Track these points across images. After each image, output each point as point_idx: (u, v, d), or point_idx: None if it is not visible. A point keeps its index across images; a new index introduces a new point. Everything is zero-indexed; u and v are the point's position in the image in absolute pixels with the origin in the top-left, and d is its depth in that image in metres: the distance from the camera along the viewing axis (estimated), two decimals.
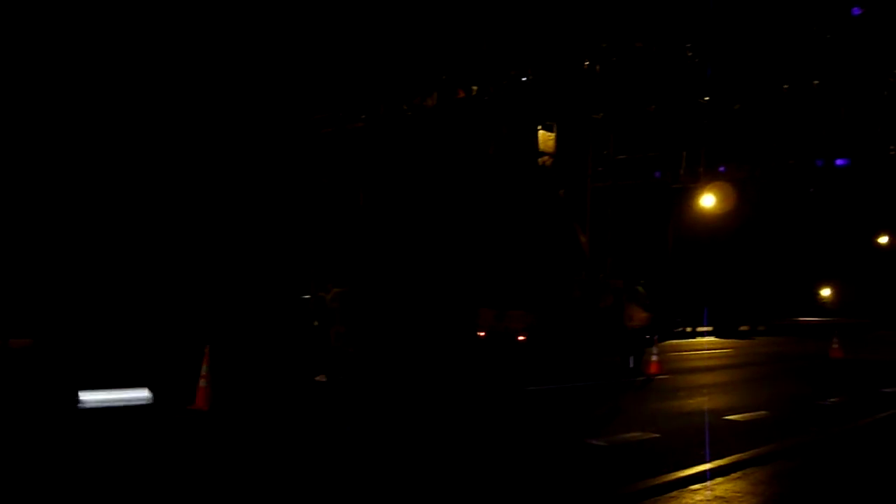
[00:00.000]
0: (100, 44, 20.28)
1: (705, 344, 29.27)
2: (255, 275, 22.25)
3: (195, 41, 21.76)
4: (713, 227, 33.63)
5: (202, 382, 10.99)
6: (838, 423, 11.48)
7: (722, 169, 26.94)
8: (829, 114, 24.39)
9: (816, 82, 23.28)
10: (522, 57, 24.54)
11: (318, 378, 14.71)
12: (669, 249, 35.57)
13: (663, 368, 17.65)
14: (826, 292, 51.01)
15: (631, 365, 18.27)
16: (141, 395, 10.90)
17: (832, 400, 14.05)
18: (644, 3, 23.52)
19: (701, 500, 7.08)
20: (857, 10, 21.30)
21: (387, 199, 25.71)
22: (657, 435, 10.16)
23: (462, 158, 26.66)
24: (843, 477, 8.28)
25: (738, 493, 7.37)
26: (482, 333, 20.08)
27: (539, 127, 29.39)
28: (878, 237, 45.46)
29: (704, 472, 7.88)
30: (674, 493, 7.23)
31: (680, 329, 33.12)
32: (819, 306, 48.86)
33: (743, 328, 36.35)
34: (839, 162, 24.78)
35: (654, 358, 17.55)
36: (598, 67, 24.14)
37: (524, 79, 24.51)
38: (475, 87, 24.63)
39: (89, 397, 10.11)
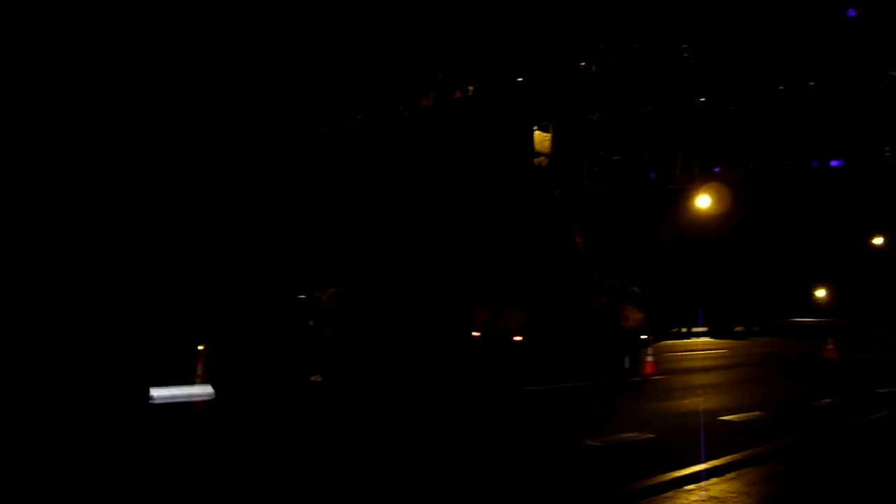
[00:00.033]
0: (100, 44, 20.24)
1: (700, 344, 29.29)
2: (250, 275, 22.22)
3: (191, 41, 21.73)
4: (708, 227, 33.64)
5: (197, 382, 10.99)
6: (833, 423, 11.52)
7: (717, 170, 26.94)
8: (824, 115, 24.42)
9: (812, 84, 23.33)
10: (518, 57, 24.55)
11: (313, 378, 14.72)
12: (665, 250, 35.61)
13: (659, 369, 17.68)
14: (821, 293, 51.24)
15: (626, 365, 18.30)
16: (205, 391, 10.89)
17: (827, 400, 14.09)
18: (640, 3, 23.56)
19: (696, 501, 7.10)
20: (852, 12, 21.35)
21: (383, 200, 25.71)
22: (652, 435, 10.18)
23: (458, 159, 26.67)
24: (837, 477, 8.31)
25: (733, 493, 7.39)
26: (477, 334, 20.07)
27: (535, 127, 29.36)
28: (872, 238, 45.61)
29: (699, 472, 7.91)
30: (669, 494, 7.25)
31: (675, 329, 33.13)
32: (814, 307, 49.07)
33: (738, 329, 36.36)
34: (834, 163, 24.82)
35: (649, 358, 17.57)
36: (594, 68, 24.18)
37: (520, 79, 24.52)
38: (471, 88, 24.62)
39: (158, 393, 10.12)
